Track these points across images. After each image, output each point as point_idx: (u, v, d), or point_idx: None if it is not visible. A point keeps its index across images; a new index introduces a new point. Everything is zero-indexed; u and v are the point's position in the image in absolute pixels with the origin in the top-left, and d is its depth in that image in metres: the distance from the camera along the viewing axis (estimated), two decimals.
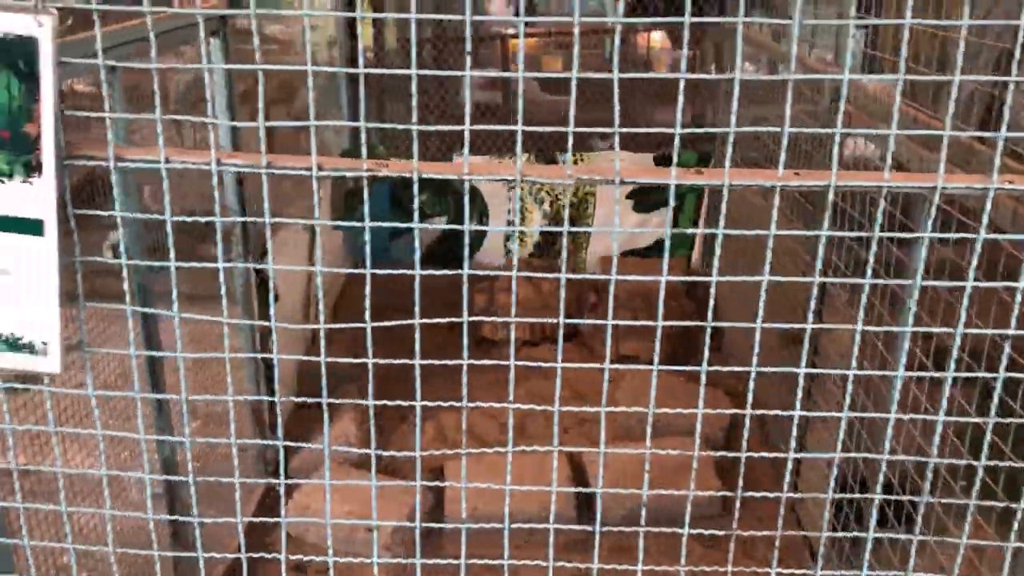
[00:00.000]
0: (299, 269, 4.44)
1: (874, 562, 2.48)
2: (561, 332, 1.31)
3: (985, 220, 1.15)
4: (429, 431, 4.22)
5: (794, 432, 1.36)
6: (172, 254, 1.23)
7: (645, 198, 5.53)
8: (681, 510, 1.37)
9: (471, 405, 1.45)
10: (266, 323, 1.17)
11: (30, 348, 1.26)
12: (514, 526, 1.45)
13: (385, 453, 1.39)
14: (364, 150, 1.21)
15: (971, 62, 3.12)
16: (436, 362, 1.33)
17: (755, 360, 1.30)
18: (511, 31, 7.36)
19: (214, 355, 1.23)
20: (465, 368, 1.33)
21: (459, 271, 1.28)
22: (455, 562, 1.41)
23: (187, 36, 2.99)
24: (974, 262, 1.18)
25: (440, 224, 5.84)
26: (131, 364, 1.35)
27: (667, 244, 1.26)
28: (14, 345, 1.26)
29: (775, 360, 3.79)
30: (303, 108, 5.54)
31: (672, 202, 1.55)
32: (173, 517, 1.39)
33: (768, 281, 1.24)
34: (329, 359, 1.29)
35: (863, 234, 1.16)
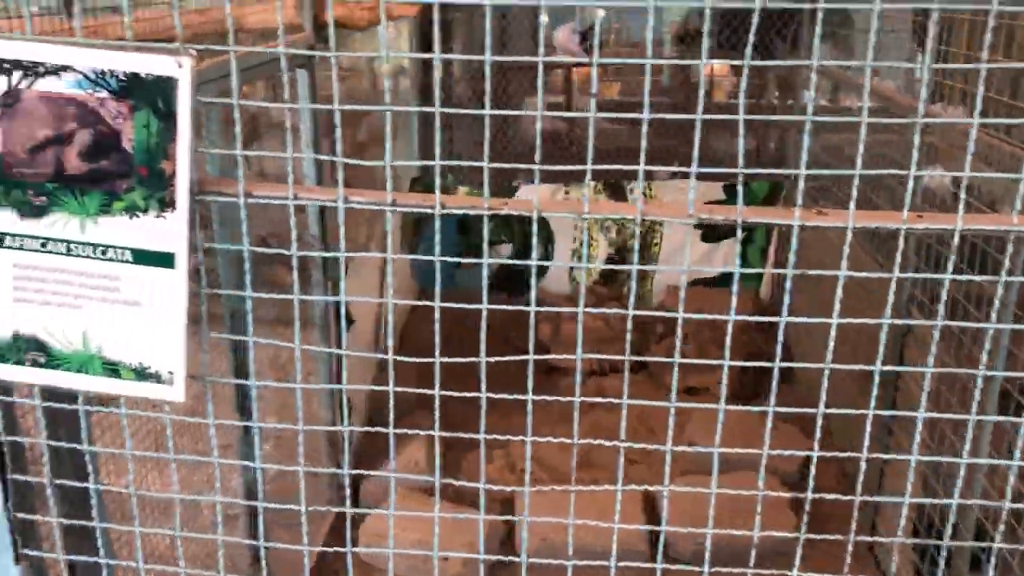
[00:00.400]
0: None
1: None
2: (682, 372, 1.31)
3: None
4: (498, 460, 4.22)
5: (911, 477, 1.34)
6: (296, 287, 1.25)
7: (713, 228, 5.50)
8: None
9: (569, 441, 1.46)
10: (384, 356, 1.19)
11: (156, 377, 1.30)
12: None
13: (495, 487, 1.40)
14: (487, 188, 1.23)
15: None
16: (550, 398, 1.34)
17: (872, 404, 1.29)
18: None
19: (331, 387, 1.25)
20: (577, 405, 1.34)
21: (575, 309, 1.29)
22: None
23: (273, 68, 3.07)
24: None
25: (505, 252, 5.87)
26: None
27: (763, 278, 1.26)
28: (142, 374, 1.30)
29: (851, 393, 3.73)
30: (370, 134, 5.62)
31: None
32: (284, 546, 1.42)
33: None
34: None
35: (992, 278, 1.15)
